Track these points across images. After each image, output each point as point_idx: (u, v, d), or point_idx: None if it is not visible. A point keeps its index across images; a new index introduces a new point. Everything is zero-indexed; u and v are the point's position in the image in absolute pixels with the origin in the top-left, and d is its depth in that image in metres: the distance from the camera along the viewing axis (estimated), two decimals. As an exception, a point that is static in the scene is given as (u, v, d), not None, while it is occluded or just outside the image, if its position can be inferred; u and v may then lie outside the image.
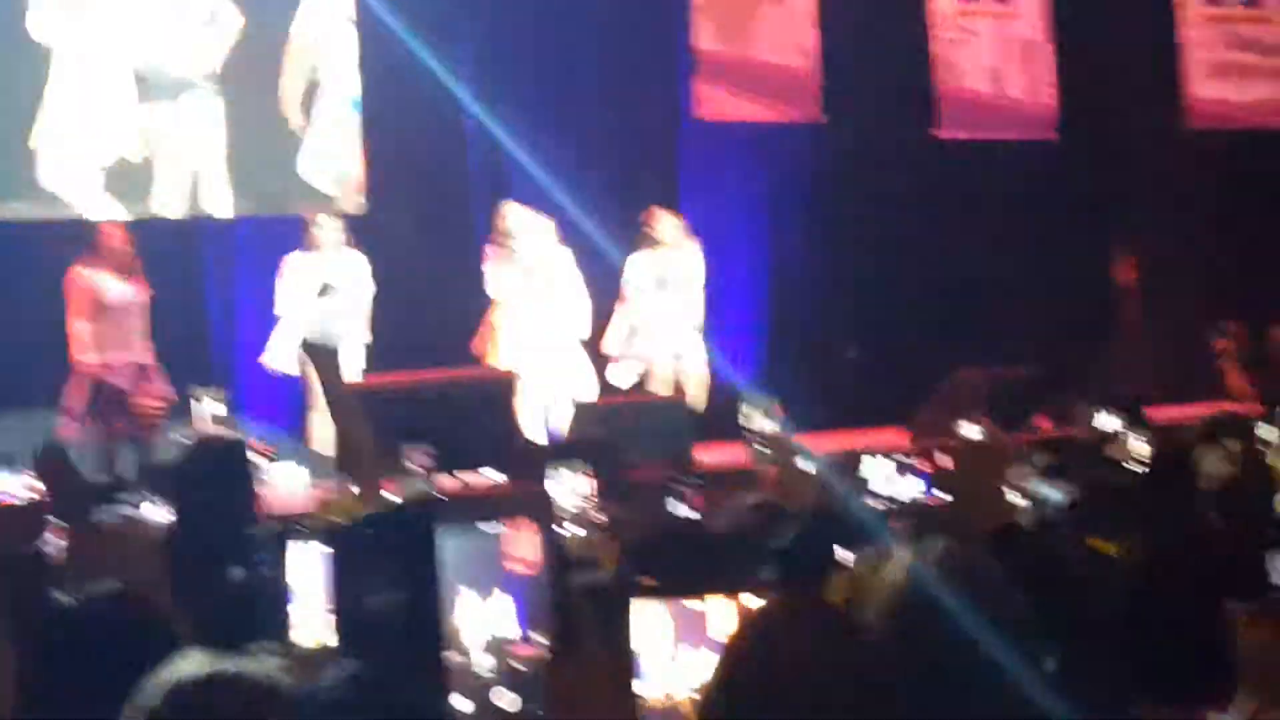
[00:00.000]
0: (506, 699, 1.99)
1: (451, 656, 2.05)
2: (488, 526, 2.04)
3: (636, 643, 2.70)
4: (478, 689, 2.00)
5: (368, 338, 11.77)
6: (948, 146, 14.81)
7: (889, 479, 4.47)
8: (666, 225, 12.33)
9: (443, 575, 2.04)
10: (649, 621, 2.80)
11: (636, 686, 2.67)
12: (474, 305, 12.18)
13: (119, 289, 11.18)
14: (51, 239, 11.75)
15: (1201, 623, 3.23)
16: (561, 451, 7.78)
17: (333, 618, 2.87)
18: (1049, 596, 3.80)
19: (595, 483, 6.12)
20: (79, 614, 3.11)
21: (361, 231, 12.33)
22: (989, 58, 15.00)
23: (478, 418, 10.68)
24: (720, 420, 11.91)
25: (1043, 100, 15.03)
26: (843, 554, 4.01)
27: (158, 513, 7.10)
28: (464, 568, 2.03)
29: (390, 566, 2.30)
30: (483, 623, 2.06)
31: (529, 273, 11.78)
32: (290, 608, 3.52)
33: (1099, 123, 14.94)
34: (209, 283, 13.21)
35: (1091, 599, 3.84)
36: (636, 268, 12.27)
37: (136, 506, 7.23)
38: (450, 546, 2.05)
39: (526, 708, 1.97)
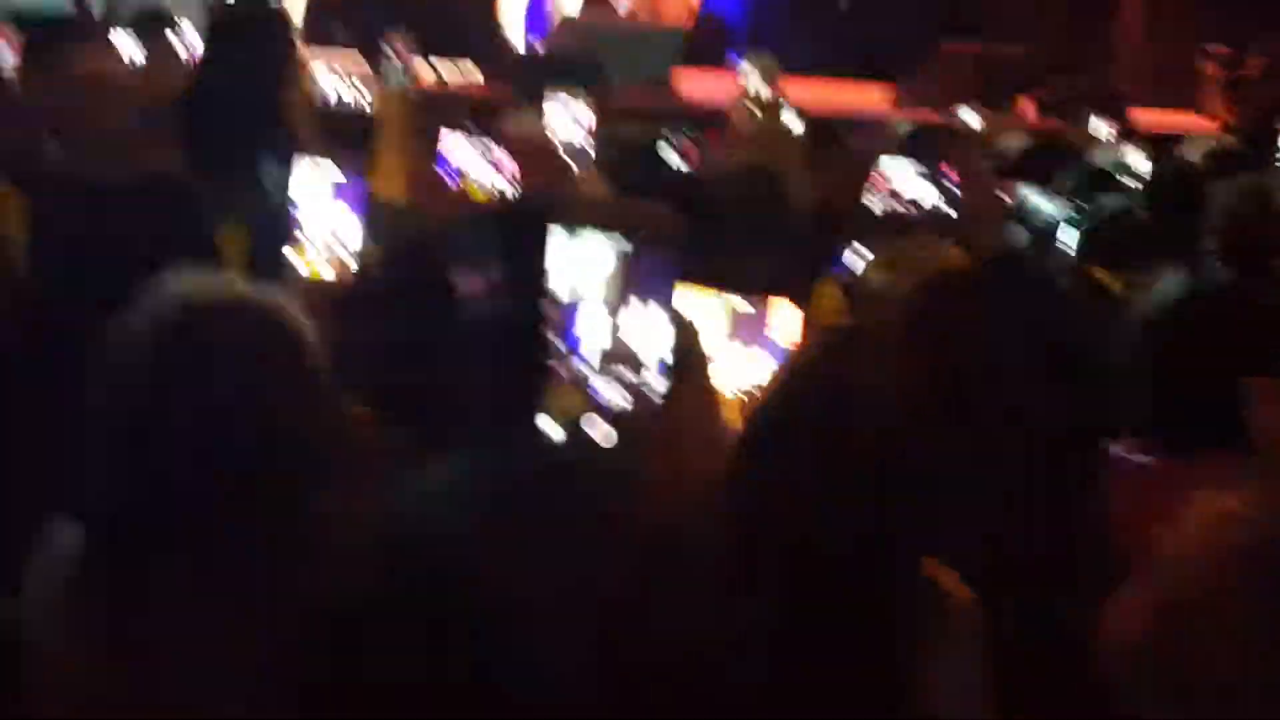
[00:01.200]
0: (600, 430, 1.85)
1: (557, 372, 1.89)
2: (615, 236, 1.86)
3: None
4: (578, 412, 1.85)
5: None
6: None
7: (909, 180, 4.33)
8: None
9: (550, 278, 1.86)
10: (700, 312, 2.70)
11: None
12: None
13: None
14: None
15: (1212, 378, 3.12)
16: (552, 67, 7.55)
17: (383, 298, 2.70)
18: (1047, 329, 3.72)
19: (592, 112, 5.92)
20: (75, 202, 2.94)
21: None
22: None
23: (461, 12, 10.45)
24: (704, 50, 11.71)
25: None
26: (857, 252, 3.89)
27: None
28: (588, 276, 1.85)
29: (483, 259, 2.15)
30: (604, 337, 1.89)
31: None
32: (297, 231, 3.35)
33: None
34: None
35: (1090, 337, 3.76)
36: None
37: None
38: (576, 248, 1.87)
39: (624, 443, 1.83)
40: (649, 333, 1.90)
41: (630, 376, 1.89)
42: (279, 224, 3.38)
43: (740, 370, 2.83)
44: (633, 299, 1.88)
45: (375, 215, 3.42)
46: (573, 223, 1.87)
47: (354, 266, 3.34)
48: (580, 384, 1.89)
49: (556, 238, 1.87)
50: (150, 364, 2.15)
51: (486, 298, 2.17)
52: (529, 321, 1.95)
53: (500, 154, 4.39)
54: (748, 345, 2.85)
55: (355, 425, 2.58)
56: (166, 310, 2.16)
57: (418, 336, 2.56)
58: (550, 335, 1.89)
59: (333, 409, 2.24)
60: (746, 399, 2.75)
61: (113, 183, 3.08)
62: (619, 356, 1.88)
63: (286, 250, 3.35)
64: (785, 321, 2.86)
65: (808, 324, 2.86)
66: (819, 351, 2.28)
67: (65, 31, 7.39)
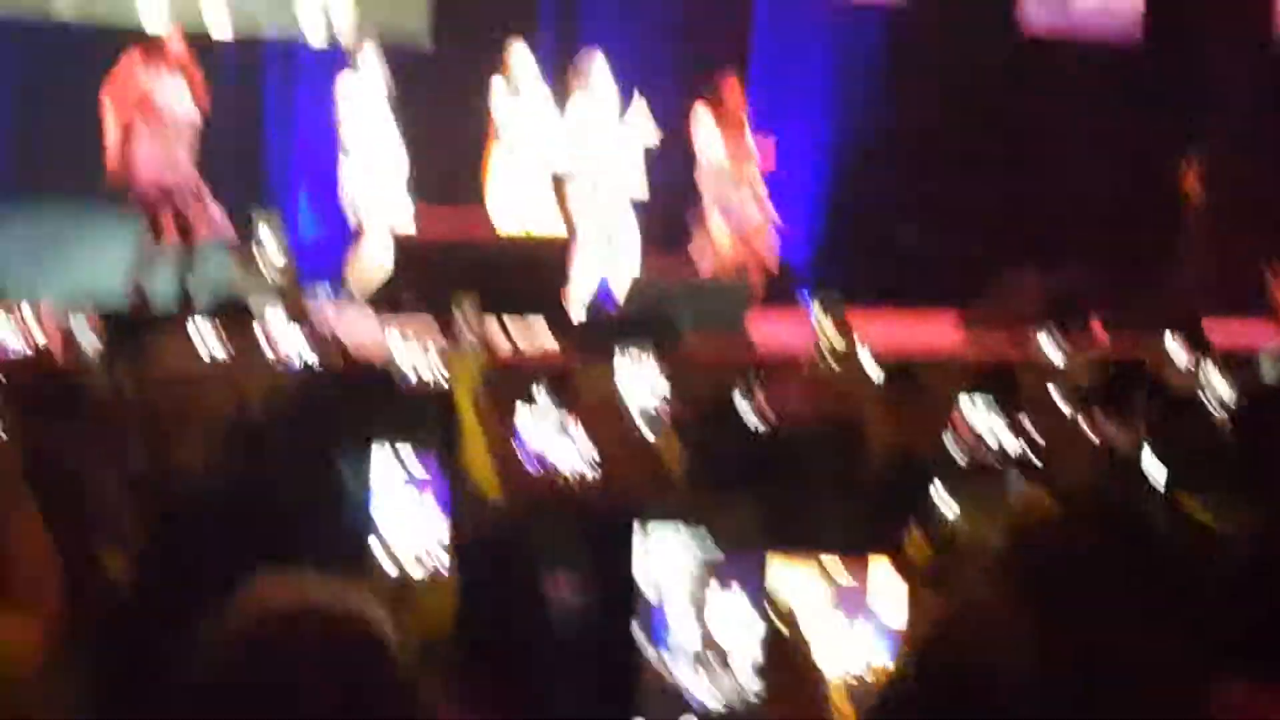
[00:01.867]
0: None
1: (647, 675, 1.86)
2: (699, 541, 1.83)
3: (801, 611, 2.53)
4: (673, 717, 1.81)
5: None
6: (1025, 41, 14.56)
7: (988, 420, 4.30)
8: (736, 97, 12.07)
9: (636, 577, 1.84)
10: (797, 588, 2.63)
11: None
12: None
13: (178, 99, 10.77)
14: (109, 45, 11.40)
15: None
16: (624, 327, 7.64)
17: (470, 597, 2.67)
18: (1145, 571, 3.66)
19: (661, 372, 5.95)
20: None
21: (427, 68, 12.22)
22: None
23: (531, 277, 10.67)
24: (774, 293, 11.87)
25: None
26: (941, 498, 3.86)
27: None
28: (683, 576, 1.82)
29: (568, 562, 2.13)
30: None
31: (531, 115, 11.70)
32: (373, 533, 3.31)
33: (1184, 29, 14.64)
34: (267, 105, 13.04)
35: (1192, 575, 3.69)
36: (704, 133, 11.99)
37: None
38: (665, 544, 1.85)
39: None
40: (741, 628, 1.87)
41: (724, 675, 1.85)
42: (361, 521, 3.37)
43: (845, 648, 2.72)
44: (721, 594, 1.85)
45: (461, 506, 3.40)
46: (655, 522, 1.85)
47: (440, 564, 3.32)
48: (673, 686, 1.86)
49: (640, 537, 1.85)
50: (230, 675, 2.14)
51: (573, 599, 2.15)
52: (617, 623, 1.92)
53: (575, 427, 4.40)
54: (850, 618, 2.73)
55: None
56: (245, 620, 2.15)
57: (507, 638, 2.53)
58: (639, 636, 1.87)
59: (422, 713, 2.21)
60: (855, 682, 2.65)
61: (196, 489, 3.10)
62: (711, 655, 1.85)
63: (371, 548, 3.33)
64: (886, 587, 2.76)
65: (911, 591, 2.76)
66: (933, 637, 2.24)
67: (147, 323, 7.50)
